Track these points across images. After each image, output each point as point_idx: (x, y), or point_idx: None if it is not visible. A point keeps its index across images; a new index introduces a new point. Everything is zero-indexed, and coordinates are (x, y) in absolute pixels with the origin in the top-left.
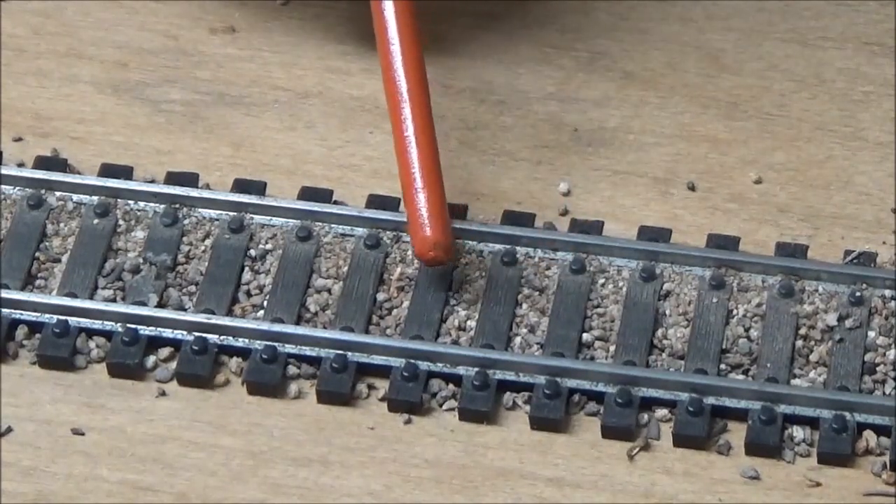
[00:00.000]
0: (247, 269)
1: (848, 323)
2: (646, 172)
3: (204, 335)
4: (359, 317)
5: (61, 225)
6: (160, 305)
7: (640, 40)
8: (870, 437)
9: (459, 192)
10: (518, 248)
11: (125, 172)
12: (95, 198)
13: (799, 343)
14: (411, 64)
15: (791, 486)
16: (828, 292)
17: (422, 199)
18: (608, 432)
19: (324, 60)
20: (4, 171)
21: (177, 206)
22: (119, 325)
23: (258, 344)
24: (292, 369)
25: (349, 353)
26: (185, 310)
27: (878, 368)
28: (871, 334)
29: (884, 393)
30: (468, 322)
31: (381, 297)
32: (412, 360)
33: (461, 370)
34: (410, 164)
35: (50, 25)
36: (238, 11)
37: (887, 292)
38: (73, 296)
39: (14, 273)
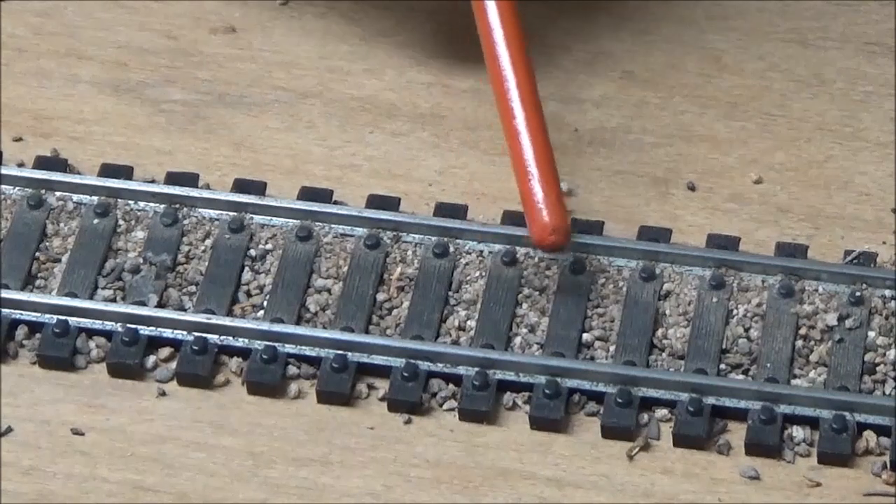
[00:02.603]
0: (247, 269)
1: (848, 323)
2: (646, 172)
3: (204, 335)
4: (359, 317)
5: (61, 225)
6: (160, 305)
7: (640, 41)
8: (870, 437)
9: (460, 192)
10: (518, 248)
11: (125, 172)
12: (95, 198)
13: (799, 343)
14: (517, 50)
15: (791, 486)
16: (828, 292)
17: (537, 184)
18: (608, 432)
19: (324, 60)
20: (4, 171)
21: (177, 206)
22: (119, 325)
23: (258, 344)
24: (292, 369)
25: (349, 353)
26: (185, 310)
27: (877, 368)
28: (871, 334)
29: (884, 393)
30: (468, 322)
31: (380, 297)
32: (412, 360)
33: (461, 370)
34: (523, 150)
35: (50, 25)
36: (238, 11)
37: (887, 292)
38: (73, 296)
39: (14, 273)
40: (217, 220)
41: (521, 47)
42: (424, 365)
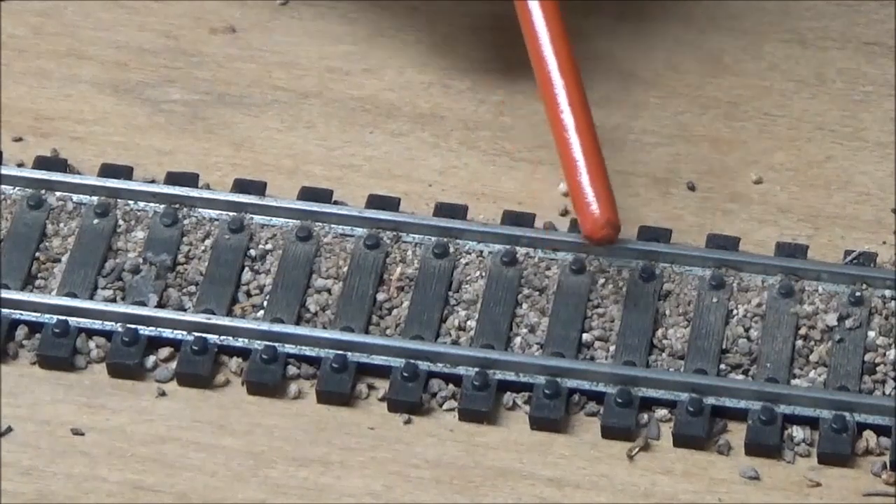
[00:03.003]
0: (247, 269)
1: (848, 323)
2: (646, 172)
3: (204, 335)
4: (359, 317)
5: (61, 225)
6: (160, 305)
7: (640, 41)
8: (870, 437)
9: (460, 193)
10: (518, 248)
11: (125, 172)
12: (95, 198)
13: (799, 343)
14: (562, 48)
15: (791, 486)
16: (828, 292)
17: (586, 178)
18: (608, 432)
19: (324, 60)
20: (4, 171)
21: (177, 206)
22: (119, 325)
23: (258, 344)
24: (292, 369)
25: (349, 353)
26: (184, 310)
27: (877, 368)
28: (871, 334)
29: (884, 393)
30: (468, 322)
31: (380, 297)
32: (412, 360)
33: (461, 370)
34: (570, 144)
35: (50, 25)
36: (238, 11)
37: (887, 292)
38: (73, 296)
39: (14, 273)
40: (217, 220)
41: (567, 45)
42: (424, 365)
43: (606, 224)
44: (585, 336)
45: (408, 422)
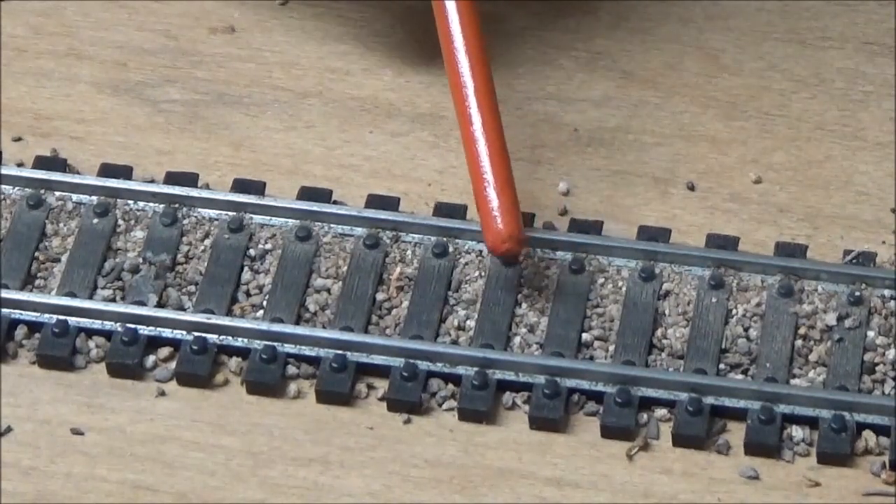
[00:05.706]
0: (246, 268)
1: (847, 323)
2: (645, 172)
3: (203, 335)
4: (358, 316)
5: (61, 225)
6: (160, 305)
7: (639, 40)
8: (869, 437)
9: (460, 192)
10: None
11: (125, 172)
12: (95, 198)
13: (798, 343)
14: (476, 58)
15: (790, 486)
16: (827, 292)
17: (492, 192)
18: (607, 432)
19: (324, 60)
20: (4, 171)
21: (176, 205)
22: (118, 324)
23: (258, 344)
24: (292, 369)
25: (348, 353)
26: (184, 310)
27: (877, 368)
28: (871, 334)
29: (883, 393)
30: (467, 322)
31: (380, 296)
32: (411, 360)
33: (460, 370)
34: (479, 156)
35: (50, 25)
36: (238, 11)
37: (886, 292)
38: (73, 295)
39: (14, 273)
40: (216, 219)
41: (480, 51)
42: (424, 365)
43: (509, 238)
44: (585, 336)
45: (407, 421)
